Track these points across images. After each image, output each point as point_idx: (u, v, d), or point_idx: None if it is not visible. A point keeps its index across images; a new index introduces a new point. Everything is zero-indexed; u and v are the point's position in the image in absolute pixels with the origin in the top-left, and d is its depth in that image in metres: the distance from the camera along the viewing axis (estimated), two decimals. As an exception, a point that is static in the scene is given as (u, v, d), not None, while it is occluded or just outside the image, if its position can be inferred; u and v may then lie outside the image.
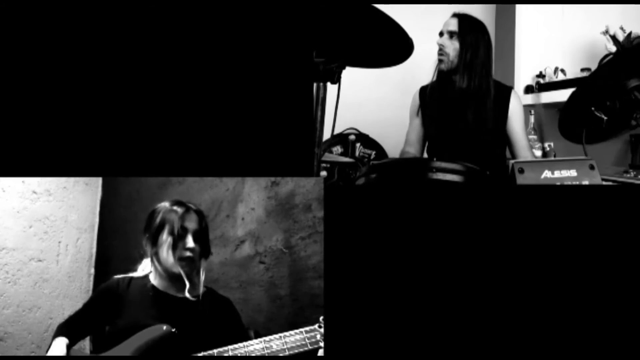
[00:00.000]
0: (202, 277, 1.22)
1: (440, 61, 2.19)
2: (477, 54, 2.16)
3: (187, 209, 1.23)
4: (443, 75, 2.23)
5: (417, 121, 2.34)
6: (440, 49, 2.18)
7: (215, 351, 1.08)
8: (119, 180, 2.01)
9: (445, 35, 2.18)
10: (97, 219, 2.02)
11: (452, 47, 2.16)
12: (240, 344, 1.09)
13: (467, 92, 2.15)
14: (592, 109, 1.54)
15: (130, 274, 1.26)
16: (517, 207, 1.11)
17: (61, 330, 1.21)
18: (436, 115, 2.27)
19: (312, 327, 1.10)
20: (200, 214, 1.25)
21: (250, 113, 1.19)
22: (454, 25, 2.18)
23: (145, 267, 1.27)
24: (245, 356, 1.08)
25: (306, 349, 1.08)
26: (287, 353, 1.07)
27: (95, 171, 1.14)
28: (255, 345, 1.08)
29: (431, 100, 2.29)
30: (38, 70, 1.08)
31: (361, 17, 1.32)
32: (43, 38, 1.08)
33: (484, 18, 2.30)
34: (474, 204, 1.13)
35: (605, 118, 1.53)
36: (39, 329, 1.74)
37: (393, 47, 1.43)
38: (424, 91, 2.33)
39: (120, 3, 1.11)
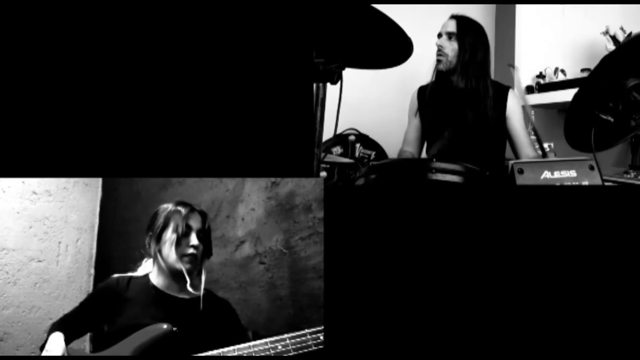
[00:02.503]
0: (204, 277, 1.23)
1: (438, 62, 2.22)
2: (475, 55, 2.19)
3: (192, 209, 1.26)
4: (441, 76, 2.25)
5: (416, 121, 2.36)
6: (438, 50, 2.21)
7: (220, 351, 1.09)
8: (119, 180, 2.01)
9: (444, 37, 2.22)
10: (97, 220, 2.02)
11: (451, 47, 2.19)
12: (245, 344, 1.09)
13: (465, 92, 2.17)
14: (597, 112, 1.54)
15: (130, 274, 1.26)
16: (516, 208, 1.11)
17: (56, 328, 1.19)
18: (435, 115, 2.28)
19: (316, 329, 1.10)
20: (203, 215, 1.27)
21: (250, 113, 1.19)
22: (452, 27, 2.21)
23: (145, 267, 1.27)
24: (245, 356, 1.08)
25: (311, 349, 1.08)
26: (292, 353, 1.08)
27: (95, 171, 1.14)
28: (260, 346, 1.09)
29: (430, 100, 2.30)
30: (38, 71, 1.08)
31: (361, 17, 1.32)
32: (43, 38, 1.08)
33: (484, 18, 2.32)
34: (474, 204, 1.13)
35: (612, 120, 1.52)
36: (39, 329, 1.74)
37: (393, 48, 1.43)
38: (422, 91, 2.35)
39: (120, 3, 1.11)
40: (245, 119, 1.18)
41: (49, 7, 1.08)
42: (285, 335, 1.10)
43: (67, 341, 1.18)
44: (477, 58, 2.19)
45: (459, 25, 2.21)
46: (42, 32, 1.08)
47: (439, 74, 2.26)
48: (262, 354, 1.08)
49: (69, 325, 1.21)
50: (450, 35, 2.20)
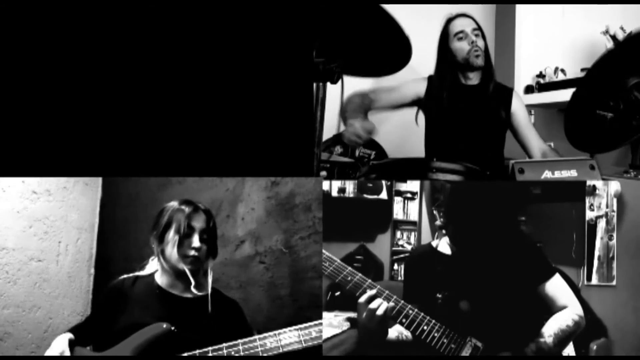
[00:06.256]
0: (210, 277, 1.22)
1: (477, 57, 2.16)
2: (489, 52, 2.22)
3: (195, 208, 1.24)
4: (455, 76, 2.22)
5: (409, 93, 2.30)
6: (475, 47, 2.15)
7: (210, 349, 1.09)
8: (119, 180, 2.01)
9: (471, 34, 2.17)
10: (97, 219, 2.02)
11: (481, 43, 2.18)
12: (236, 342, 1.10)
13: (486, 90, 2.17)
14: (596, 110, 1.54)
15: (136, 273, 1.26)
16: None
17: (73, 332, 1.20)
18: (442, 109, 2.24)
19: (307, 324, 1.10)
20: (208, 214, 1.25)
21: (251, 113, 1.19)
22: (474, 24, 2.20)
23: (152, 266, 1.27)
24: (244, 356, 1.08)
25: (300, 346, 1.08)
26: (280, 350, 1.08)
27: (95, 171, 1.14)
28: (249, 344, 1.09)
29: (438, 94, 2.25)
30: (38, 71, 1.08)
31: (361, 16, 1.32)
32: (43, 38, 1.08)
33: (484, 18, 2.31)
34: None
35: (610, 115, 1.52)
36: (39, 329, 1.74)
37: (393, 47, 1.43)
38: (430, 82, 2.29)
39: (120, 3, 1.11)
40: (245, 118, 1.18)
41: (49, 7, 1.08)
42: (281, 330, 1.10)
43: (84, 344, 1.18)
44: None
45: (476, 22, 2.20)
46: (42, 32, 1.08)
47: (457, 72, 2.22)
48: (251, 351, 1.08)
49: (85, 330, 1.22)
50: (475, 31, 2.18)
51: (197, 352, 1.09)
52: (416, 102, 2.29)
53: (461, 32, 2.19)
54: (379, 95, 2.25)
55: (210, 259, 1.24)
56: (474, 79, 2.22)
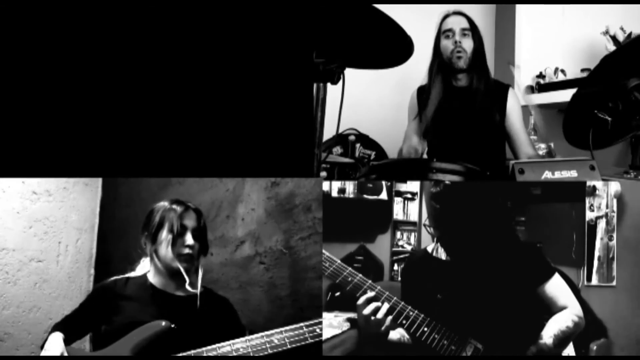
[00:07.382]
0: (200, 274, 1.24)
1: (459, 58, 2.15)
2: (484, 52, 2.20)
3: (186, 208, 1.26)
4: (444, 75, 2.22)
5: (415, 123, 2.33)
6: (457, 48, 2.15)
7: (216, 346, 1.10)
8: (119, 180, 2.01)
9: (458, 33, 2.16)
10: (97, 220, 2.02)
11: (468, 44, 2.16)
12: (241, 339, 1.11)
13: (476, 91, 2.16)
14: (595, 111, 1.54)
15: (127, 274, 1.27)
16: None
17: (56, 329, 1.21)
18: (436, 114, 2.25)
19: (313, 321, 1.12)
20: (198, 213, 1.27)
21: (251, 113, 1.19)
22: (465, 23, 2.18)
23: (143, 267, 1.28)
24: (241, 355, 1.08)
25: (307, 342, 1.10)
26: (288, 347, 1.09)
27: (95, 171, 1.14)
28: (255, 340, 1.09)
29: (431, 99, 2.26)
30: (38, 71, 1.08)
31: (361, 17, 1.32)
32: (43, 38, 1.08)
33: (484, 18, 2.31)
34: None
35: (610, 119, 1.52)
36: (39, 329, 1.74)
37: (393, 47, 1.43)
38: (422, 91, 2.32)
39: (120, 3, 1.11)
40: (245, 119, 1.19)
41: (50, 7, 1.08)
42: (282, 329, 1.11)
43: (68, 342, 1.18)
44: (485, 55, 2.20)
45: (470, 21, 2.18)
46: (42, 32, 1.08)
47: (446, 72, 2.22)
48: (259, 348, 1.09)
49: (69, 326, 1.22)
50: (464, 31, 2.16)
51: (192, 352, 1.10)
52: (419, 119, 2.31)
53: (449, 30, 2.18)
54: (410, 140, 2.31)
55: (202, 256, 1.25)
56: (462, 79, 2.21)
